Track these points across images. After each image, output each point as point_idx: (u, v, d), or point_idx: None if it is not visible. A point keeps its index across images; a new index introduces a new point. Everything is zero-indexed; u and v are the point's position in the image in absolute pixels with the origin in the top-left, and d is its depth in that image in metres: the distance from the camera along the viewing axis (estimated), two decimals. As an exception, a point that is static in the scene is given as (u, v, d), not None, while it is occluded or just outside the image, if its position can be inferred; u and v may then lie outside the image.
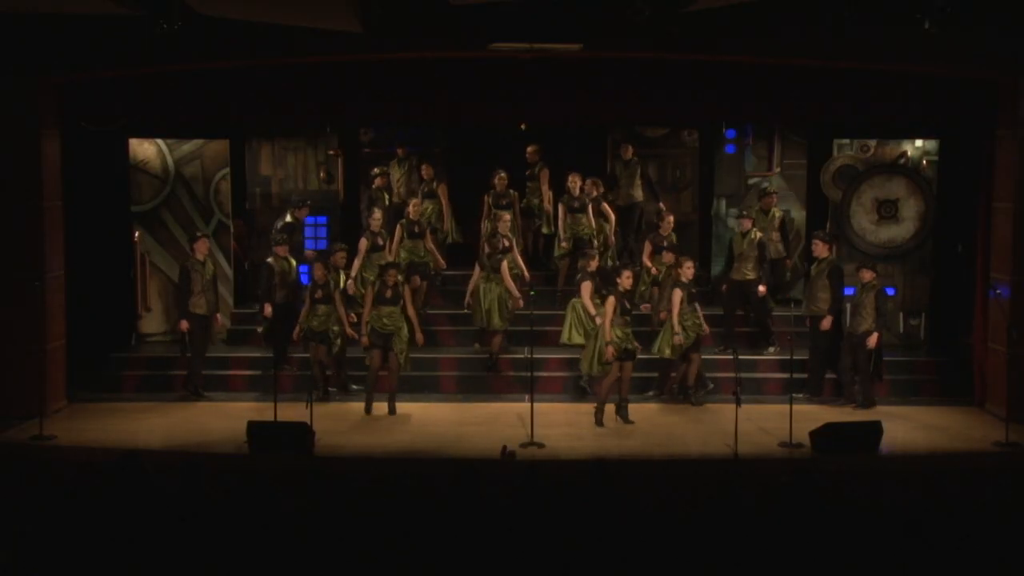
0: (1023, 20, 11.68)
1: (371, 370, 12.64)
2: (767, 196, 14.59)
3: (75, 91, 12.66)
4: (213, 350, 13.69)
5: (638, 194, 15.15)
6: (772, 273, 14.09)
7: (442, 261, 14.14)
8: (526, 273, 14.01)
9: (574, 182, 14.28)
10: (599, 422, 12.19)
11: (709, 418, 12.40)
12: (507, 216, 13.99)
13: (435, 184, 14.92)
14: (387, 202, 15.02)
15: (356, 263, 13.31)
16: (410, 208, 14.02)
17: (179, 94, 12.87)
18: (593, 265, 12.92)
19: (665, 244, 13.74)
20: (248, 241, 15.59)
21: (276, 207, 16.19)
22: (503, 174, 14.55)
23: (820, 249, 13.02)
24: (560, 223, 14.34)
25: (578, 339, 12.82)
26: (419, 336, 12.84)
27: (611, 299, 12.11)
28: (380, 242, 13.51)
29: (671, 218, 14.09)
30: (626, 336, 12.21)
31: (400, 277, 12.91)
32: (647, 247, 13.94)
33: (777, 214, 14.51)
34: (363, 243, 13.44)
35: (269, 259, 13.44)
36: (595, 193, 14.38)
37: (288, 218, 14.66)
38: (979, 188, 13.05)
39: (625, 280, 12.23)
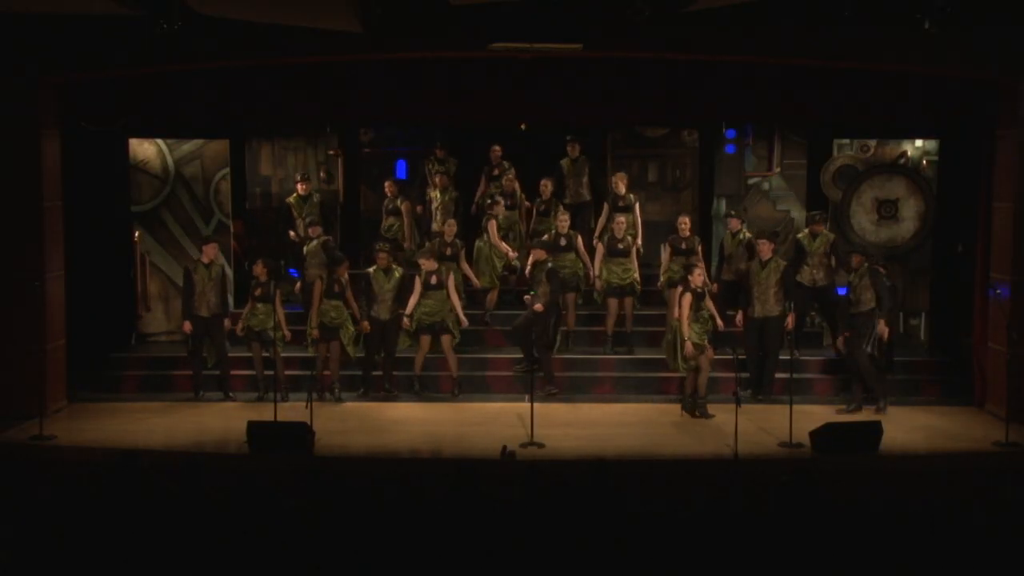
0: (1023, 20, 11.68)
1: (318, 360, 12.98)
2: (816, 222, 13.48)
3: (75, 91, 12.66)
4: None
5: (586, 193, 14.93)
6: (821, 305, 13.61)
7: (476, 281, 13.97)
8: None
9: (618, 183, 14.31)
10: (693, 414, 12.27)
11: (709, 418, 12.39)
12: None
13: (399, 201, 14.91)
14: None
15: (412, 301, 13.00)
16: (445, 229, 13.90)
17: (179, 94, 12.88)
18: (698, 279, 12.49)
19: (684, 246, 13.65)
20: (248, 241, 15.58)
21: (276, 207, 16.22)
22: (511, 172, 14.72)
23: (765, 250, 12.87)
24: (601, 223, 14.37)
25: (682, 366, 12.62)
26: (364, 324, 13.03)
27: (687, 296, 12.18)
28: (433, 281, 13.06)
29: (686, 218, 13.88)
30: (703, 332, 12.32)
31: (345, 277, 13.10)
32: (667, 250, 13.78)
33: (830, 237, 13.43)
34: (418, 283, 13.08)
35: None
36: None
37: (290, 198, 14.79)
38: (979, 188, 13.04)
39: (696, 277, 12.26)
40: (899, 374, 13.48)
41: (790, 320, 12.60)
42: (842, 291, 13.06)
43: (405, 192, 15.25)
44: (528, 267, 13.60)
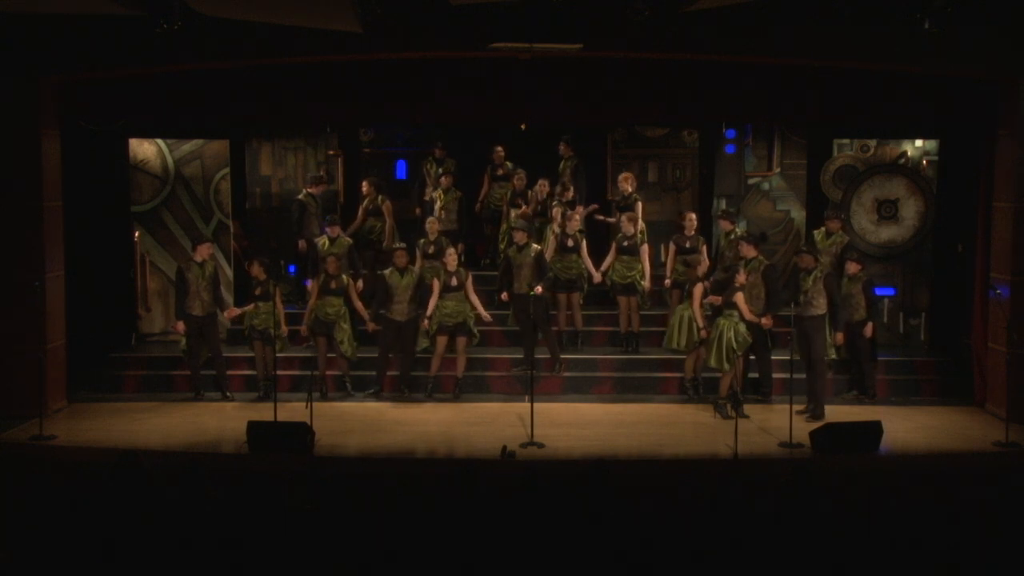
0: (1023, 20, 11.68)
1: (320, 355, 13.15)
2: (830, 219, 13.47)
3: (75, 91, 12.66)
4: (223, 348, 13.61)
5: (572, 193, 14.89)
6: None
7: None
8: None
9: (622, 182, 14.39)
10: (726, 416, 12.13)
11: (709, 418, 12.40)
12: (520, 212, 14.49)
13: (379, 200, 14.81)
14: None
15: (432, 303, 12.98)
16: (428, 227, 13.85)
17: (179, 94, 12.87)
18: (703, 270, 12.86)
19: (688, 245, 13.67)
20: (244, 241, 15.56)
21: (276, 207, 16.21)
22: (521, 172, 14.68)
23: (747, 250, 12.80)
24: (616, 222, 14.40)
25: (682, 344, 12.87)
26: (369, 324, 13.13)
27: (740, 295, 12.24)
28: (454, 283, 12.97)
29: (692, 215, 13.90)
30: (747, 331, 12.35)
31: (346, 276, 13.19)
32: (671, 248, 13.83)
33: (843, 239, 13.39)
34: (436, 284, 13.02)
35: (318, 239, 13.98)
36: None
37: (301, 195, 14.69)
38: (979, 188, 13.04)
39: (741, 277, 12.29)
40: (899, 374, 13.51)
41: (765, 320, 12.55)
42: (890, 291, 13.00)
43: (385, 191, 15.20)
44: (503, 249, 13.86)
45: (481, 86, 12.97)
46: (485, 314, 13.16)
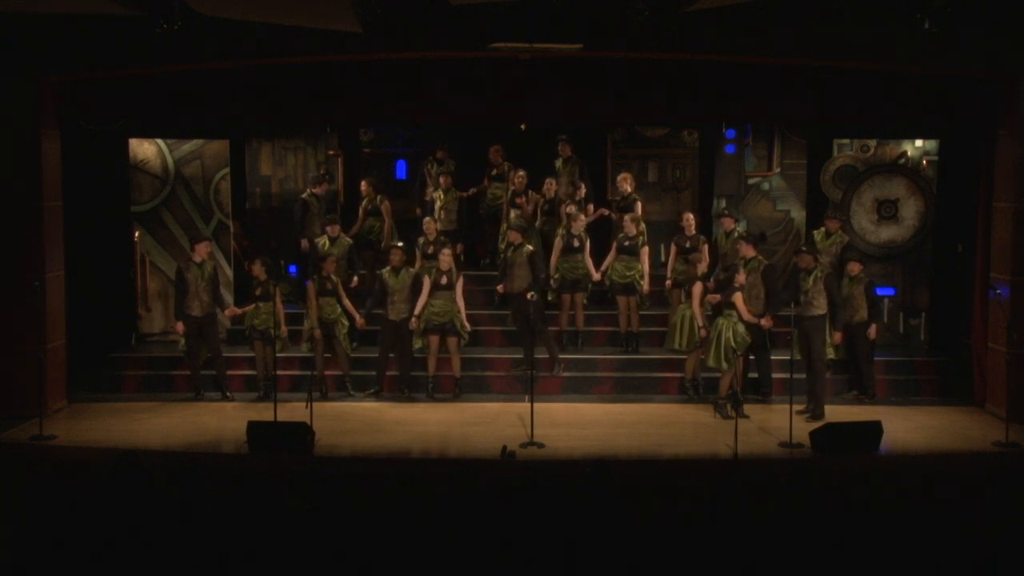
0: (1023, 20, 11.68)
1: (317, 355, 13.15)
2: (830, 219, 13.54)
3: (75, 91, 12.66)
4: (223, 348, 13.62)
5: (577, 193, 14.91)
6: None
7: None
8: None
9: (621, 182, 14.42)
10: (726, 416, 12.11)
11: (709, 418, 12.40)
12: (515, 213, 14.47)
13: (378, 200, 14.83)
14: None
15: (420, 302, 12.97)
16: (426, 227, 13.80)
17: (179, 94, 12.87)
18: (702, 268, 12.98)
19: (689, 244, 13.63)
20: (244, 242, 15.56)
21: (276, 207, 16.20)
22: (521, 173, 14.67)
23: (746, 250, 12.76)
24: (617, 219, 14.44)
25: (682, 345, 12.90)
26: (359, 321, 13.22)
27: (738, 295, 12.23)
28: (444, 281, 12.99)
29: (690, 215, 13.88)
30: (747, 331, 12.33)
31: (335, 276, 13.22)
32: (672, 249, 13.80)
33: (843, 239, 13.46)
34: (427, 282, 13.03)
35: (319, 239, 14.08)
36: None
37: (305, 195, 14.73)
38: (979, 188, 13.04)
39: (741, 278, 12.28)
40: (899, 374, 13.51)
41: (765, 321, 12.49)
42: (890, 291, 12.97)
43: (384, 190, 15.21)
44: (502, 249, 13.86)
45: (481, 86, 12.97)
46: (465, 322, 13.13)
